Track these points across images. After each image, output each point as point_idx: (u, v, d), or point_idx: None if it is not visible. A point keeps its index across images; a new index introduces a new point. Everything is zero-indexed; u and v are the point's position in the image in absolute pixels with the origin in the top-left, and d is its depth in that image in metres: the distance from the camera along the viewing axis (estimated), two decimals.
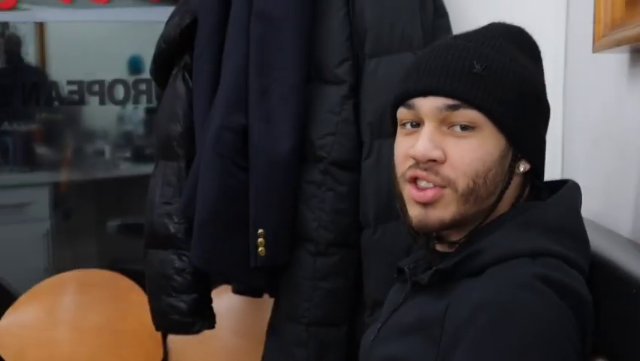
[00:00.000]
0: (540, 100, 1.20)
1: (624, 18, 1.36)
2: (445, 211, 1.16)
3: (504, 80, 1.14)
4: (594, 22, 1.48)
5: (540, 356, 1.01)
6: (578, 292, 1.08)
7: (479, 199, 1.15)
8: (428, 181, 1.15)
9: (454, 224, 1.18)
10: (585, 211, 1.25)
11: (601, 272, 1.16)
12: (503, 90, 1.13)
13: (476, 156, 1.14)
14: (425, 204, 1.16)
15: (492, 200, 1.17)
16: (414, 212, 1.19)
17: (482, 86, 1.13)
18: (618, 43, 1.38)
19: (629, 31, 1.31)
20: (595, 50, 1.49)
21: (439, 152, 1.14)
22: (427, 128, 1.16)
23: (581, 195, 1.24)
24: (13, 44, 3.02)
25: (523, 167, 1.18)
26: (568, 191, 1.22)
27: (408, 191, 1.19)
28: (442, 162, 1.14)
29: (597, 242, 1.26)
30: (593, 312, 1.11)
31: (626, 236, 1.40)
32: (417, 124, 1.19)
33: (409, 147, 1.17)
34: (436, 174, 1.14)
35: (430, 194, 1.15)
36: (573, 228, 1.19)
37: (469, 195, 1.14)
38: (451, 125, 1.15)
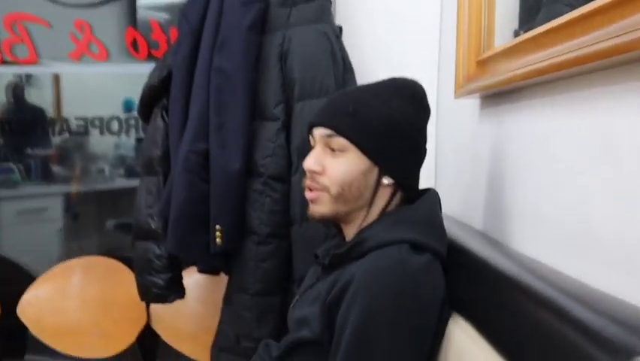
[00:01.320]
0: (404, 132, 1.20)
1: (476, 74, 1.39)
2: (323, 208, 1.23)
3: (370, 118, 1.18)
4: (455, 76, 1.51)
5: (390, 312, 1.07)
6: (419, 265, 1.11)
7: (348, 201, 1.21)
8: (311, 188, 1.23)
9: (333, 218, 1.25)
10: (450, 211, 1.28)
11: (457, 254, 1.19)
12: (368, 125, 1.18)
13: (343, 170, 1.20)
14: (312, 201, 1.24)
15: (360, 203, 1.22)
16: (309, 207, 1.26)
17: (351, 122, 1.19)
18: (471, 92, 1.42)
19: (479, 84, 1.35)
20: (456, 96, 1.52)
21: (318, 166, 1.22)
22: (315, 150, 1.23)
23: (439, 199, 1.27)
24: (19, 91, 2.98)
25: (387, 180, 1.21)
26: (429, 197, 1.26)
27: (305, 193, 1.26)
28: (321, 173, 1.21)
29: (456, 233, 1.29)
30: (445, 285, 1.15)
31: (478, 228, 1.44)
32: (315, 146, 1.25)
33: (306, 161, 1.24)
34: (317, 181, 1.22)
35: (312, 194, 1.24)
36: (433, 223, 1.23)
37: (339, 197, 1.21)
38: (330, 148, 1.21)
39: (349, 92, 1.27)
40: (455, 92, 1.52)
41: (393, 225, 1.18)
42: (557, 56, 0.92)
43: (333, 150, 1.21)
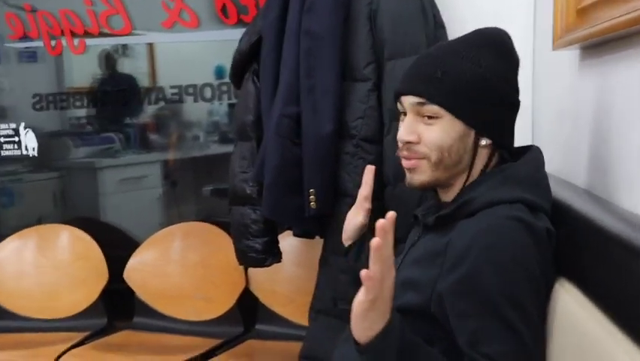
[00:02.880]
0: (497, 90, 1.19)
1: (575, 24, 1.35)
2: (423, 175, 1.22)
3: (460, 81, 1.17)
4: (553, 27, 1.47)
5: (521, 267, 1.06)
6: (541, 229, 1.10)
7: (448, 167, 1.21)
8: (409, 157, 1.22)
9: (434, 185, 1.25)
10: (549, 168, 1.25)
11: (561, 213, 1.17)
12: (459, 89, 1.17)
13: (439, 136, 1.19)
14: (409, 170, 1.24)
15: (460, 167, 1.21)
16: (406, 176, 1.26)
17: (441, 87, 1.18)
18: (571, 43, 1.37)
19: (578, 34, 1.30)
20: (554, 47, 1.48)
21: (414, 136, 1.20)
22: (407, 119, 1.22)
23: (543, 155, 1.24)
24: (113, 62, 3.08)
25: (485, 141, 1.20)
26: (533, 153, 1.23)
27: (402, 162, 1.25)
28: (417, 142, 1.20)
29: (557, 191, 1.26)
30: (553, 242, 1.12)
31: (581, 186, 1.40)
32: (406, 113, 1.23)
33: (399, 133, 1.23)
34: (414, 150, 1.21)
35: (410, 163, 1.23)
36: (540, 181, 1.20)
37: (439, 164, 1.20)
38: (423, 116, 1.20)
39: (434, 54, 1.24)
40: (553, 43, 1.48)
41: (501, 184, 1.17)
42: None
43: (425, 117, 1.20)
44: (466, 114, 1.18)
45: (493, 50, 1.20)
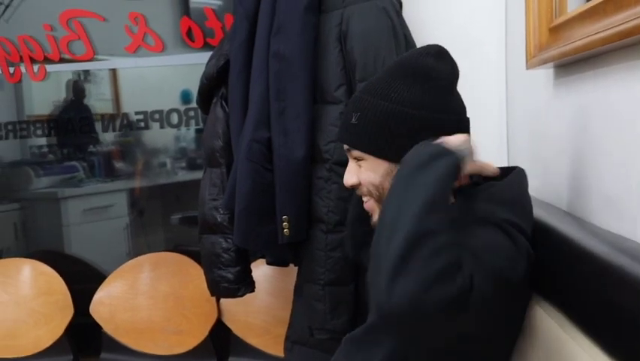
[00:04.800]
0: (410, 118, 1.18)
1: (548, 42, 1.35)
2: (377, 213, 1.26)
3: (369, 120, 1.20)
4: (526, 46, 1.47)
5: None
6: (525, 247, 1.09)
7: None
8: (364, 200, 1.30)
9: None
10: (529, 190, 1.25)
11: (539, 232, 1.16)
12: (369, 129, 1.20)
13: (369, 176, 1.24)
14: (369, 212, 1.30)
15: None
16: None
17: (356, 132, 1.23)
18: (544, 62, 1.38)
19: (552, 53, 1.31)
20: (528, 66, 1.49)
21: (354, 179, 1.27)
22: (349, 164, 1.29)
23: (527, 178, 1.24)
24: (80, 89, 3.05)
25: None
26: (518, 176, 1.22)
27: None
28: (359, 184, 1.26)
29: (536, 211, 1.25)
30: (531, 264, 1.12)
31: (558, 206, 1.40)
32: None
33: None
34: (363, 193, 1.28)
35: (366, 205, 1.30)
36: (524, 204, 1.19)
37: (381, 200, 1.22)
38: (355, 159, 1.26)
39: (355, 97, 1.28)
40: (527, 62, 1.48)
41: (486, 202, 1.14)
42: None
43: (356, 159, 1.26)
44: (384, 152, 1.21)
45: (407, 78, 1.20)
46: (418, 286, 0.90)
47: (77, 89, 3.04)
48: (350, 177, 1.27)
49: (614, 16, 0.99)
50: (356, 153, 1.25)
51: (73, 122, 2.99)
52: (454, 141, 1.11)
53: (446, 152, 1.07)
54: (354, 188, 1.29)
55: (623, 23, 0.95)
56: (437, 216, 0.97)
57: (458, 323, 0.97)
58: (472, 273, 0.95)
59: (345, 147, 1.27)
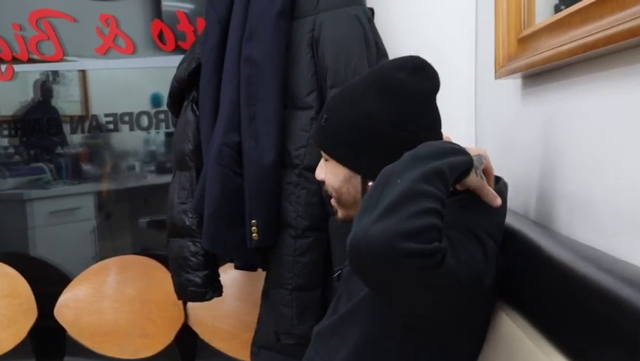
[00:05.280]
0: (375, 133, 1.19)
1: (516, 53, 1.37)
2: (339, 213, 1.32)
3: (337, 127, 1.22)
4: (495, 56, 1.49)
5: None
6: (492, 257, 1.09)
7: (349, 205, 1.28)
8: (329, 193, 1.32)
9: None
10: None
11: (512, 243, 1.17)
12: (336, 135, 1.23)
13: (330, 178, 1.28)
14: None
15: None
16: None
17: (323, 133, 1.26)
18: (513, 72, 1.40)
19: (520, 63, 1.33)
20: (497, 76, 1.50)
21: (321, 175, 1.30)
22: (321, 160, 1.32)
23: (507, 190, 1.23)
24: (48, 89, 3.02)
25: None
26: (503, 186, 1.21)
27: None
28: (323, 181, 1.30)
29: (508, 221, 1.26)
30: (498, 270, 1.12)
31: (522, 214, 1.41)
32: None
33: None
34: (327, 190, 1.32)
35: (332, 202, 1.32)
36: (502, 216, 1.19)
37: (340, 201, 1.29)
38: (324, 158, 1.29)
39: (330, 98, 1.34)
40: (495, 72, 1.50)
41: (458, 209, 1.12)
42: (608, 29, 0.90)
43: (325, 158, 1.29)
44: (344, 160, 1.24)
45: (377, 91, 1.20)
46: (395, 232, 0.88)
47: (45, 89, 3.00)
48: (319, 172, 1.31)
49: (579, 28, 1.01)
50: (322, 153, 1.28)
51: (40, 123, 2.95)
52: (474, 149, 1.11)
53: (464, 152, 1.06)
54: (320, 182, 1.33)
55: (587, 36, 0.97)
56: (435, 185, 0.95)
57: (424, 294, 0.97)
58: (447, 254, 0.93)
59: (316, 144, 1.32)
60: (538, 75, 1.33)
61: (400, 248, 0.87)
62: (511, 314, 1.10)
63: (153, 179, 3.14)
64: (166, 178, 2.59)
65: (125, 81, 2.94)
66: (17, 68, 2.81)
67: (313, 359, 1.27)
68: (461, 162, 1.03)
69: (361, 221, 0.92)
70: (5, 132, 2.97)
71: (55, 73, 2.98)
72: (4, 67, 2.78)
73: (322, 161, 1.30)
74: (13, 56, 2.76)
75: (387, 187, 0.95)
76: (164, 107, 2.68)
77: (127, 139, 3.04)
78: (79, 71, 2.97)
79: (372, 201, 0.94)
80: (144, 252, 2.78)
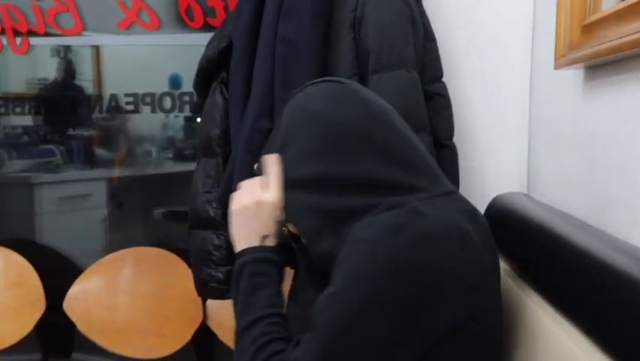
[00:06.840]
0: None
1: (580, 41, 1.37)
2: None
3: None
4: (555, 44, 1.49)
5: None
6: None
7: None
8: None
9: None
10: (546, 198, 1.26)
11: (556, 247, 1.18)
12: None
13: None
14: None
15: None
16: None
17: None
18: (575, 62, 1.40)
19: (583, 52, 1.33)
20: (556, 66, 1.50)
21: None
22: None
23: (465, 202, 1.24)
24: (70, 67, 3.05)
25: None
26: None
27: None
28: None
29: (555, 223, 1.26)
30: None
31: (579, 218, 1.41)
32: None
33: None
34: None
35: None
36: None
37: None
38: None
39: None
40: (555, 62, 1.49)
41: None
42: None
43: None
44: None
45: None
46: None
47: (68, 66, 3.03)
48: None
49: None
50: None
51: (54, 102, 2.99)
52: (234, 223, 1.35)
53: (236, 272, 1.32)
54: None
55: None
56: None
57: None
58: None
59: None
60: (603, 66, 1.33)
61: None
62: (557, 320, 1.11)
63: (171, 167, 3.15)
64: (184, 167, 2.60)
65: (145, 59, 2.97)
66: (33, 41, 2.85)
67: None
68: (244, 281, 1.33)
69: None
70: (18, 110, 3.01)
71: (68, 48, 3.00)
72: (19, 40, 2.82)
73: None
74: (29, 28, 2.80)
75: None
76: (185, 89, 2.70)
77: (144, 123, 3.06)
78: (92, 46, 2.99)
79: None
80: (158, 245, 2.79)
